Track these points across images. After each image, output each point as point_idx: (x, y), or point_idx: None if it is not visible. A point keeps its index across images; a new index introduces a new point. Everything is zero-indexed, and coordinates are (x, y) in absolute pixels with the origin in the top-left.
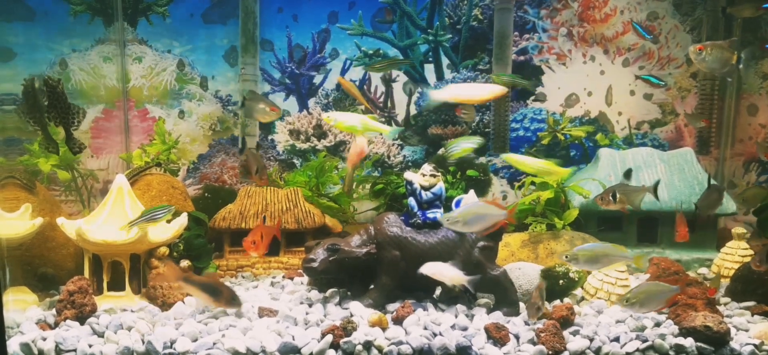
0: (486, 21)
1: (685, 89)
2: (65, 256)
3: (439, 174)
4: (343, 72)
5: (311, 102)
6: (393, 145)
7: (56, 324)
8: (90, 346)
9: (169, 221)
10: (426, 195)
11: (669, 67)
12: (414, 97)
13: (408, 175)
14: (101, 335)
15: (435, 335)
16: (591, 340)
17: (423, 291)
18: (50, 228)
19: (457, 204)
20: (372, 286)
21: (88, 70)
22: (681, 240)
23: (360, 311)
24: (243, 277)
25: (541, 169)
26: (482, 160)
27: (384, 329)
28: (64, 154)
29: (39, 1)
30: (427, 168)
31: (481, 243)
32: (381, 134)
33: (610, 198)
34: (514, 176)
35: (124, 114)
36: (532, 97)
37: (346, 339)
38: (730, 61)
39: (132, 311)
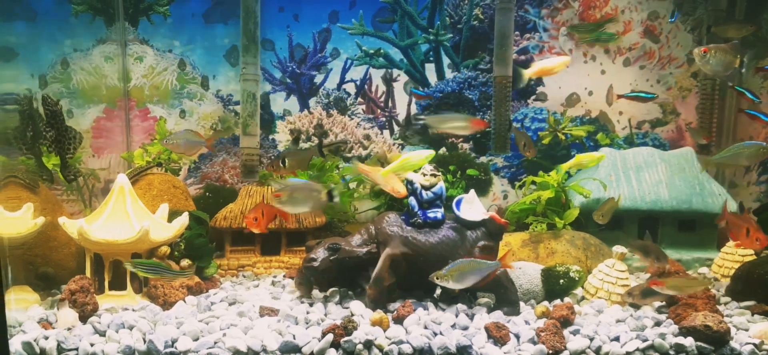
0: (487, 21)
1: (686, 89)
2: (67, 255)
3: (440, 174)
4: (345, 71)
5: (312, 101)
6: (393, 144)
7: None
8: (92, 345)
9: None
10: (426, 195)
11: (670, 66)
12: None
13: (409, 174)
14: (103, 334)
15: (435, 334)
16: (591, 339)
17: (423, 290)
18: (52, 227)
19: (458, 204)
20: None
21: (90, 69)
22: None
23: (361, 311)
24: (244, 276)
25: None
26: (483, 159)
27: (385, 329)
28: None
29: (40, 1)
30: (427, 168)
31: (481, 243)
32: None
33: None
34: (514, 176)
35: (125, 113)
36: (533, 97)
37: (346, 338)
38: (733, 64)
39: (133, 310)
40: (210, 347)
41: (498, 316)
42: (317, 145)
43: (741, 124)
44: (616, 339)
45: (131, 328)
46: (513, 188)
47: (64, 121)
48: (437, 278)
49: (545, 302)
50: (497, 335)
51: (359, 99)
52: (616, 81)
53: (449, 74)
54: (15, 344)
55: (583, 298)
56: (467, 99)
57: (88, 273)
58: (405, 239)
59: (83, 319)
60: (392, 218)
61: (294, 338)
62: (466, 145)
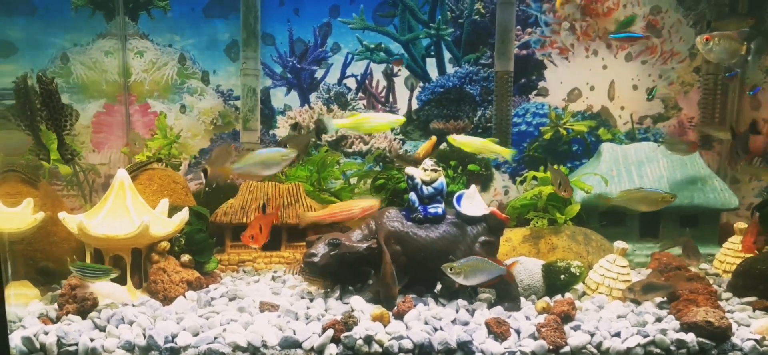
0: (488, 15)
1: (688, 84)
2: (67, 250)
3: (441, 169)
4: (345, 66)
5: (313, 96)
6: (394, 139)
7: (58, 318)
8: (92, 340)
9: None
10: (427, 190)
11: (672, 61)
12: (415, 92)
13: (409, 170)
14: (103, 330)
15: (436, 329)
16: (592, 335)
17: (424, 286)
18: (52, 223)
19: (459, 199)
20: (373, 281)
21: (90, 64)
22: (748, 252)
23: (361, 306)
24: (244, 271)
25: (482, 147)
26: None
27: (385, 324)
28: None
29: None
30: (428, 163)
31: (482, 238)
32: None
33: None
34: (516, 171)
35: (125, 109)
36: (535, 92)
37: (346, 334)
38: (738, 52)
39: (133, 305)
40: (210, 343)
41: (498, 311)
42: (315, 131)
43: (743, 119)
44: (617, 335)
45: (131, 323)
46: (514, 183)
47: (59, 99)
48: (450, 269)
49: (546, 298)
50: (498, 331)
51: (360, 94)
52: (618, 76)
53: (450, 69)
54: (15, 339)
55: (584, 293)
56: (468, 94)
57: None
58: (405, 235)
59: (83, 314)
60: (393, 214)
61: (294, 334)
62: None
